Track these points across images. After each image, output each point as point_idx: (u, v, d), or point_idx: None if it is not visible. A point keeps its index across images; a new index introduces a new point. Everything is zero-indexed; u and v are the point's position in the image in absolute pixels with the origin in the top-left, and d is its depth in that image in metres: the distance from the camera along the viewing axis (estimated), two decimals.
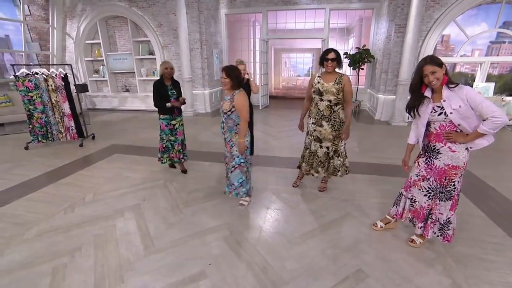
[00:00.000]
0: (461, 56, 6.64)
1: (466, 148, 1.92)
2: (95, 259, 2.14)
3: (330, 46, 8.66)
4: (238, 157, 2.70)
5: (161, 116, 3.45)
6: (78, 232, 2.49)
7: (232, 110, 2.53)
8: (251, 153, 3.99)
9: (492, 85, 6.30)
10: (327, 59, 2.65)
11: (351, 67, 7.71)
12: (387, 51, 6.68)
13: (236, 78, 2.47)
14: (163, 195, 3.16)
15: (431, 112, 1.92)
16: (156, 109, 3.46)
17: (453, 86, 1.83)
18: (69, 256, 2.18)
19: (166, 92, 3.35)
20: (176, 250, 2.23)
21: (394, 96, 6.54)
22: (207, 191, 3.25)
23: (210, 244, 2.31)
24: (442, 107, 1.85)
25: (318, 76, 2.80)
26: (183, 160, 3.72)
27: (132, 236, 2.42)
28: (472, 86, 6.37)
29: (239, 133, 2.58)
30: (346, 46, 10.12)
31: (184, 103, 3.46)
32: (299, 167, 3.21)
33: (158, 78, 3.41)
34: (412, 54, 6.00)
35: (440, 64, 1.82)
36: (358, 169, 3.83)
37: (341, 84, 2.69)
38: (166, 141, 3.57)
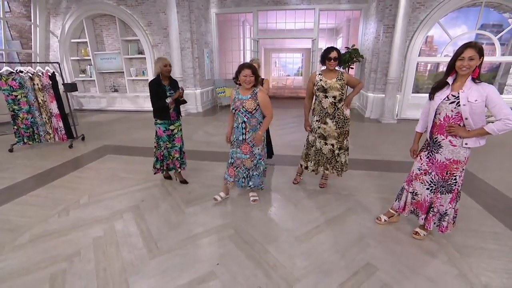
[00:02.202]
0: (444, 56, 6.86)
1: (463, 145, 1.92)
2: (96, 263, 2.02)
3: (319, 46, 8.77)
4: (259, 155, 2.71)
5: (158, 121, 3.02)
6: (75, 236, 2.35)
7: (257, 108, 2.52)
8: (272, 154, 3.91)
9: None
10: (330, 58, 2.67)
11: (341, 67, 7.79)
12: (376, 50, 6.80)
13: (258, 76, 2.51)
14: (162, 195, 3.05)
15: (445, 99, 1.92)
16: (152, 111, 3.02)
17: (478, 81, 1.82)
18: (68, 261, 2.04)
19: (165, 93, 2.91)
20: (182, 251, 2.14)
21: (384, 95, 6.66)
22: (207, 189, 3.16)
23: (216, 244, 2.23)
24: (458, 97, 1.85)
25: (319, 74, 2.80)
26: (180, 169, 3.30)
27: (133, 238, 2.31)
28: None
29: (262, 128, 2.58)
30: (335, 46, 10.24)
31: (182, 99, 3.06)
32: (301, 165, 3.16)
33: (153, 77, 2.96)
34: (400, 53, 6.13)
35: (481, 53, 1.77)
36: (354, 165, 3.84)
37: (343, 81, 2.71)
38: (164, 149, 3.15)
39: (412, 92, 6.92)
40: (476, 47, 1.77)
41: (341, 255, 2.09)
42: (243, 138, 2.61)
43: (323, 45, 9.74)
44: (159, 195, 3.05)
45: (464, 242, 2.24)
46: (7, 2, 8.40)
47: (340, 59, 2.70)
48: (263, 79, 3.55)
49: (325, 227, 2.47)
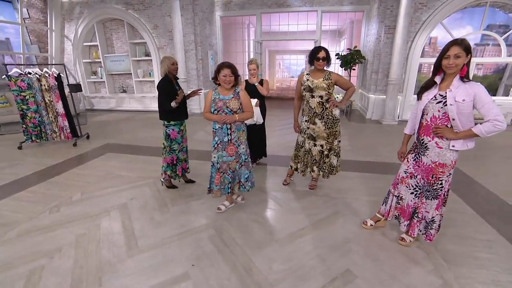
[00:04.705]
0: None
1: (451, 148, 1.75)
2: (74, 261, 1.97)
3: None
4: (244, 154, 2.50)
5: (172, 123, 2.80)
6: (61, 232, 2.31)
7: (240, 107, 2.36)
8: (265, 154, 3.82)
9: None
10: (318, 58, 2.52)
11: (343, 68, 7.58)
12: (377, 51, 6.55)
13: (237, 76, 2.32)
14: (152, 193, 2.99)
15: (432, 98, 1.76)
16: (158, 113, 2.81)
17: (467, 80, 1.66)
18: (48, 257, 2.00)
19: (176, 93, 2.73)
20: (160, 251, 2.06)
21: (385, 96, 6.41)
22: (197, 189, 3.08)
23: (195, 244, 2.14)
24: (445, 96, 1.69)
25: (307, 74, 2.67)
26: (189, 171, 3.20)
27: (116, 236, 2.25)
28: None
29: (239, 115, 2.34)
30: (338, 48, 10.00)
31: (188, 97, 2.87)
32: (291, 167, 3.03)
33: (161, 77, 2.76)
34: (401, 54, 5.87)
35: (468, 50, 1.61)
36: (349, 167, 3.68)
37: (330, 80, 2.56)
38: (178, 152, 2.94)
39: (414, 93, 6.63)
40: (462, 44, 1.60)
41: (321, 260, 1.96)
42: (228, 139, 2.40)
43: (325, 46, 9.52)
44: (149, 194, 2.99)
45: (453, 250, 2.05)
46: (27, 9, 8.62)
47: (328, 58, 2.56)
48: (262, 79, 3.41)
49: (309, 230, 2.33)
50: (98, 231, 2.31)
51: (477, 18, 6.31)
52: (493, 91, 6.94)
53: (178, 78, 2.93)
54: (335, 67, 8.91)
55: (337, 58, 7.55)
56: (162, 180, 3.05)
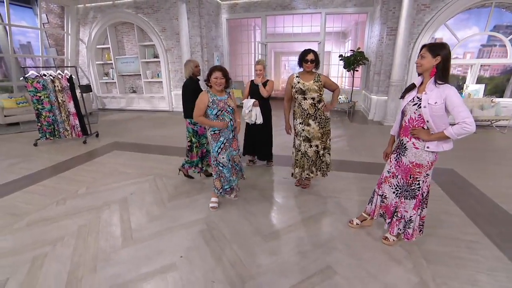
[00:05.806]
0: (453, 58, 6.38)
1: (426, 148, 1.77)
2: (74, 249, 2.10)
3: (326, 49, 8.53)
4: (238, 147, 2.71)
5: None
6: (65, 223, 2.45)
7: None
8: (270, 158, 3.74)
9: (482, 86, 6.04)
10: (307, 60, 2.56)
11: (346, 69, 7.52)
12: (379, 53, 6.48)
13: (228, 78, 2.44)
14: (152, 189, 3.11)
15: (410, 100, 1.80)
16: (182, 113, 3.09)
17: (440, 83, 1.67)
18: (51, 246, 2.14)
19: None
20: (153, 243, 2.17)
21: (386, 97, 6.33)
22: (194, 185, 3.18)
23: (186, 237, 2.23)
24: (421, 99, 1.72)
25: (297, 77, 2.70)
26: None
27: (113, 228, 2.37)
28: (463, 88, 6.12)
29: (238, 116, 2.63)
30: (343, 49, 9.91)
31: None
32: (292, 174, 2.98)
33: (186, 79, 2.97)
34: (403, 56, 5.79)
35: (434, 53, 1.64)
36: (347, 167, 3.69)
37: (320, 82, 2.60)
38: (207, 145, 3.17)
39: None
40: (427, 46, 1.66)
41: (303, 257, 2.00)
42: (233, 135, 2.55)
43: (330, 48, 9.46)
44: (148, 189, 3.10)
45: (437, 250, 2.05)
46: (46, 15, 9.00)
47: (317, 61, 2.59)
48: (267, 80, 3.41)
49: (296, 227, 2.38)
50: (98, 223, 2.44)
51: (483, 19, 6.13)
52: (500, 92, 6.72)
53: (199, 80, 3.10)
54: (339, 68, 8.86)
55: (340, 59, 7.51)
56: (181, 169, 3.28)
